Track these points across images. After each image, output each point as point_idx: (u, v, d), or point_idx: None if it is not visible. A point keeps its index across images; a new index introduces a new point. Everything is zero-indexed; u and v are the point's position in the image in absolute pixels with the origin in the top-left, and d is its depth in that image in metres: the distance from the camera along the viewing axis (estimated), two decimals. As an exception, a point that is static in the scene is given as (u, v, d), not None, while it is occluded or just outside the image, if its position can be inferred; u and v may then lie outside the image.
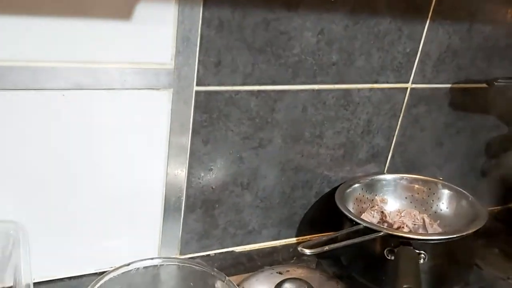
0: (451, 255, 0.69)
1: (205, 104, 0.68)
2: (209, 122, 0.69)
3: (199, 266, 0.60)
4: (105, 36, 0.58)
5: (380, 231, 0.68)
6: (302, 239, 0.86)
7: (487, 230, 1.00)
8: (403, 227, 0.75)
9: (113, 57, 0.60)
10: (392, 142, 0.86)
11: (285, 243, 0.84)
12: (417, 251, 0.67)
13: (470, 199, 0.78)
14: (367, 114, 0.81)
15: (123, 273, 0.58)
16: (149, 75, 0.63)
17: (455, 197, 0.80)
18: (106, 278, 0.57)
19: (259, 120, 0.72)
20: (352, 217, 0.71)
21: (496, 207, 1.06)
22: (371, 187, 0.83)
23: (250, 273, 0.70)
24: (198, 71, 0.65)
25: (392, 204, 0.83)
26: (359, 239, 0.68)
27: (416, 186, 0.83)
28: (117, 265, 0.58)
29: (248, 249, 0.81)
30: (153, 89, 0.64)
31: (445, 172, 0.94)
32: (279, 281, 0.62)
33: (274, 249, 0.83)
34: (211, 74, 0.66)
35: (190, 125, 0.68)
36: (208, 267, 0.60)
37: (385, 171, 0.88)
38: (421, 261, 0.67)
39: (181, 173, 0.70)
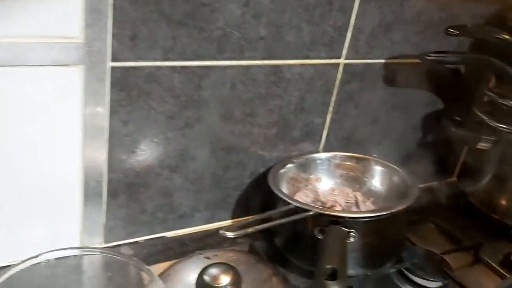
0: (382, 232, 0.69)
1: (122, 81, 0.63)
2: (128, 101, 0.64)
3: (115, 256, 0.56)
4: (5, 6, 0.52)
5: (310, 210, 0.66)
6: (237, 221, 0.83)
7: (423, 205, 1.02)
8: (335, 206, 0.74)
9: (16, 30, 0.54)
10: (326, 120, 0.84)
11: (219, 226, 0.81)
12: (347, 229, 0.65)
13: (402, 175, 0.77)
14: (299, 91, 0.78)
15: (31, 265, 0.54)
16: (57, 50, 0.57)
17: (387, 174, 0.80)
18: (11, 272, 0.52)
19: (184, 98, 0.68)
20: (283, 197, 0.69)
21: (433, 183, 1.07)
22: (306, 166, 0.82)
23: (178, 260, 0.66)
24: (112, 45, 0.60)
25: (327, 182, 0.82)
26: (287, 219, 0.66)
27: (350, 164, 0.82)
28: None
29: (180, 234, 0.78)
30: (62, 65, 0.58)
31: (381, 149, 0.94)
32: (205, 266, 0.59)
33: (207, 233, 0.80)
34: (127, 48, 0.61)
35: (107, 104, 0.63)
36: (126, 256, 0.56)
37: (320, 149, 0.86)
38: (351, 239, 0.66)
39: (100, 156, 0.66)
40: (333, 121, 0.85)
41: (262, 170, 0.82)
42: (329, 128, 0.86)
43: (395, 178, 0.78)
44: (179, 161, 0.72)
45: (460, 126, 0.93)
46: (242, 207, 0.83)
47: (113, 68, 0.62)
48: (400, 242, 0.75)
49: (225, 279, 0.56)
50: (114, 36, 0.60)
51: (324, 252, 0.57)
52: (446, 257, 0.81)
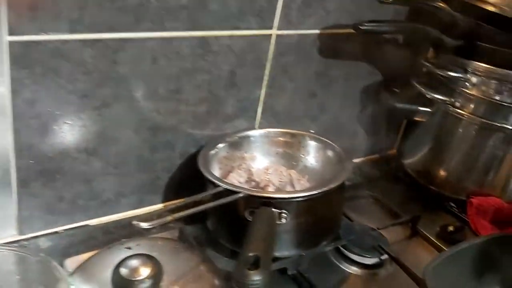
0: (315, 211, 0.66)
1: (24, 58, 0.56)
2: (32, 79, 0.58)
3: (19, 252, 0.50)
4: None
5: (239, 192, 0.62)
6: (169, 204, 0.79)
7: (363, 179, 1.01)
8: (268, 186, 0.71)
9: None
10: (261, 95, 0.80)
11: (149, 211, 0.77)
12: (278, 210, 0.62)
13: (337, 151, 0.75)
14: (229, 64, 0.73)
15: None
16: None
17: (322, 150, 0.77)
18: None
19: (99, 75, 0.62)
20: (212, 179, 0.65)
21: (373, 156, 1.06)
22: (240, 145, 0.78)
23: (96, 251, 0.61)
24: (8, 17, 0.53)
25: (262, 161, 0.78)
26: (215, 203, 0.62)
27: (285, 140, 0.79)
28: None
29: (105, 221, 0.73)
30: None
31: (320, 124, 0.91)
32: (124, 257, 0.54)
33: (136, 218, 0.74)
34: (26, 20, 0.54)
35: (8, 84, 0.56)
36: (30, 250, 0.51)
37: (256, 126, 0.83)
38: (283, 220, 0.63)
39: (4, 141, 0.59)
40: (268, 96, 0.81)
41: (193, 150, 0.77)
42: (265, 104, 0.82)
43: (330, 154, 0.76)
44: (97, 144, 0.66)
45: (398, 98, 0.91)
46: (174, 190, 0.78)
47: (11, 42, 0.55)
48: (336, 220, 0.73)
49: (144, 272, 0.51)
50: (10, 6, 0.53)
51: (250, 237, 0.53)
52: (384, 232, 0.80)
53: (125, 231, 0.71)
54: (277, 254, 0.67)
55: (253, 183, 0.73)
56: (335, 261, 0.75)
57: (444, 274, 0.58)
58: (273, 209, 0.60)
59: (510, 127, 0.82)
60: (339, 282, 0.72)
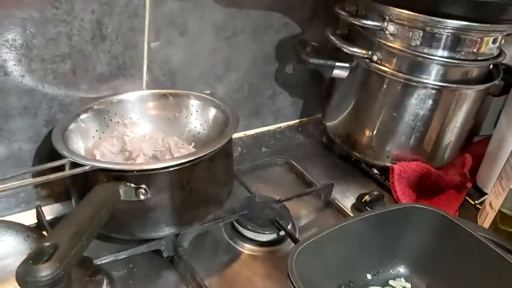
0: (187, 184, 0.56)
1: None
2: None
3: None
4: None
5: (85, 165, 0.52)
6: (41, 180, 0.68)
7: (282, 146, 0.91)
8: (139, 156, 0.60)
9: None
10: (144, 51, 0.69)
11: (12, 187, 0.66)
12: (134, 185, 0.52)
13: (225, 111, 0.64)
14: (92, 13, 0.62)
15: None
16: None
17: (209, 111, 0.67)
18: None
19: None
20: (58, 149, 0.55)
21: (298, 120, 0.96)
22: (114, 109, 0.67)
23: None
24: None
25: (140, 128, 0.67)
26: (57, 175, 0.52)
27: (166, 102, 0.68)
28: None
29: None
30: None
31: (228, 85, 0.81)
32: None
33: (-5, 197, 0.65)
34: None
35: None
36: None
37: (144, 87, 0.72)
38: (142, 197, 0.53)
39: None
40: (154, 52, 0.70)
41: (62, 116, 0.66)
42: (150, 61, 0.70)
43: (218, 116, 0.65)
44: None
45: (316, 52, 0.80)
46: (42, 162, 0.68)
47: None
48: (220, 192, 0.62)
49: None
50: None
51: (63, 221, 0.43)
52: (292, 203, 0.71)
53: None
54: (146, 235, 0.58)
55: (127, 154, 0.63)
56: (227, 238, 0.66)
57: (311, 258, 0.49)
58: (114, 185, 0.50)
59: (436, 83, 0.73)
60: (227, 263, 0.63)
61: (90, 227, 0.42)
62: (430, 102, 0.74)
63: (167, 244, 0.59)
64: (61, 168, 0.59)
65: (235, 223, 0.66)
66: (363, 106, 0.80)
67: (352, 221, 0.53)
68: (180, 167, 0.54)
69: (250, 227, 0.65)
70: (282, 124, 0.94)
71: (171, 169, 0.53)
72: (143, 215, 0.55)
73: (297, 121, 0.95)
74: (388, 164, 0.79)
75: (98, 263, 0.55)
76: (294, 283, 0.43)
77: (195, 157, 0.54)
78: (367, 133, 0.80)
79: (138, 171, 0.52)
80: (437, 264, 0.57)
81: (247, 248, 0.65)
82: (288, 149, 0.89)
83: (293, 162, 0.82)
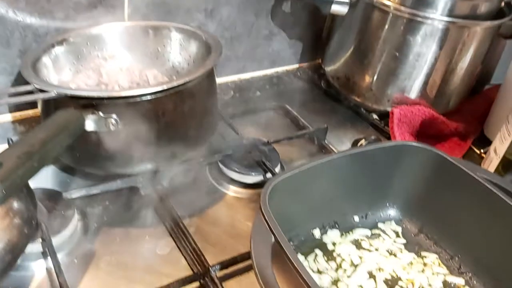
0: (162, 116, 0.52)
1: None
2: None
3: None
4: None
5: (48, 91, 0.48)
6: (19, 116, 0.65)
7: (280, 90, 0.87)
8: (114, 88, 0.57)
9: None
10: (124, -22, 0.64)
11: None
12: (103, 114, 0.49)
13: (209, 42, 0.60)
14: None
15: None
16: None
17: (190, 44, 0.62)
18: None
19: None
20: (26, 76, 0.51)
21: (298, 65, 0.91)
22: (94, 41, 0.63)
23: None
24: None
25: (118, 60, 0.63)
26: (21, 98, 0.48)
27: (149, 36, 0.63)
28: None
29: None
30: None
31: (219, 21, 0.75)
32: None
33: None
34: None
35: None
36: None
37: (125, 18, 0.67)
38: (112, 127, 0.50)
39: None
40: (135, -19, 0.65)
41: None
42: (132, -9, 0.65)
43: (204, 51, 0.60)
44: None
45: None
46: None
47: None
48: (202, 127, 0.58)
49: None
50: None
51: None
52: (284, 147, 0.67)
53: None
54: (121, 170, 0.55)
55: (103, 87, 0.59)
56: (211, 179, 0.63)
57: (290, 194, 0.45)
58: (78, 111, 0.46)
59: (442, 18, 0.67)
60: (209, 204, 0.59)
61: (43, 149, 0.38)
62: (436, 40, 0.69)
63: (145, 181, 0.56)
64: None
65: (219, 164, 0.63)
66: (363, 46, 0.75)
67: (338, 156, 0.48)
68: (153, 96, 0.50)
69: (235, 169, 0.61)
70: (280, 69, 0.89)
71: (143, 98, 0.49)
72: (115, 148, 0.52)
73: (296, 66, 0.90)
74: (389, 109, 0.74)
75: (68, 197, 0.52)
76: (266, 218, 0.40)
77: (170, 86, 0.50)
78: (368, 75, 0.75)
79: (107, 98, 0.48)
80: (431, 207, 0.53)
81: (231, 190, 0.61)
82: (284, 94, 0.84)
83: (288, 107, 0.78)
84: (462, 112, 0.80)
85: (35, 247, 0.48)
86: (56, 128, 0.41)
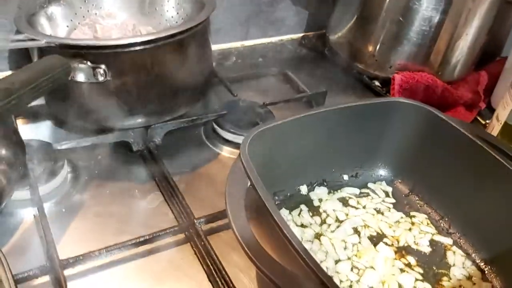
0: (153, 68, 0.52)
1: None
2: None
3: None
4: None
5: (39, 40, 0.48)
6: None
7: (284, 57, 0.86)
8: (106, 43, 0.57)
9: None
10: None
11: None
12: (92, 64, 0.49)
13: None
14: None
15: None
16: None
17: (187, 2, 0.61)
18: None
19: None
20: (21, 28, 0.51)
21: (305, 33, 0.89)
22: (91, -1, 0.63)
23: None
24: None
25: (115, 17, 0.63)
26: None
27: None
28: None
29: None
30: None
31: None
32: None
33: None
34: None
35: None
36: None
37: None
38: (100, 78, 0.50)
39: None
40: None
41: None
42: None
43: (196, 9, 0.60)
44: None
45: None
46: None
47: None
48: (196, 83, 0.58)
49: None
50: None
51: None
52: (284, 110, 0.66)
53: None
54: (112, 124, 0.55)
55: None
56: (205, 139, 0.62)
57: (275, 147, 0.44)
58: (65, 59, 0.46)
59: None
60: (201, 163, 0.59)
61: (23, 89, 0.38)
62: (442, 4, 0.67)
63: (136, 136, 0.56)
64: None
65: (214, 124, 0.62)
66: (367, 11, 0.73)
67: (325, 109, 0.47)
68: (143, 47, 0.49)
69: (229, 129, 0.61)
70: (285, 37, 0.88)
71: (132, 48, 0.49)
72: (105, 100, 0.52)
73: (301, 34, 0.89)
74: (391, 76, 0.73)
75: (58, 147, 0.53)
76: (243, 161, 0.39)
77: (159, 36, 0.49)
78: (371, 41, 0.74)
79: (95, 47, 0.48)
80: (423, 167, 0.51)
81: (225, 150, 0.61)
82: (287, 61, 0.83)
83: (289, 72, 0.77)
84: (469, 82, 0.78)
85: (23, 194, 0.49)
86: (39, 71, 0.41)
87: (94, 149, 0.57)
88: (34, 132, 0.60)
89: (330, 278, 0.30)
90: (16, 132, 0.50)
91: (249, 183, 0.38)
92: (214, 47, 0.81)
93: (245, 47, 0.84)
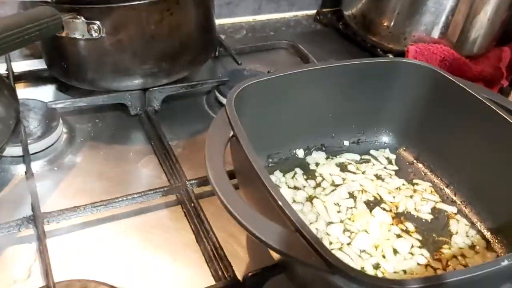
0: (147, 27, 0.50)
1: None
2: None
3: None
4: None
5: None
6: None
7: (296, 32, 0.83)
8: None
9: None
10: None
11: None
12: (86, 19, 0.48)
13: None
14: None
15: None
16: None
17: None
18: None
19: None
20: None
21: (323, 10, 0.86)
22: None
23: None
24: None
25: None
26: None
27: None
28: None
29: None
30: None
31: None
32: None
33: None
34: None
35: None
36: None
37: None
38: (94, 34, 0.49)
39: None
40: None
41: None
42: None
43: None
44: None
45: None
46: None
47: None
48: (195, 45, 0.56)
49: None
50: None
51: None
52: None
53: None
54: (108, 84, 0.54)
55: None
56: (207, 108, 0.61)
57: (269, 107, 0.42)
58: (55, 10, 0.45)
59: None
60: (200, 130, 0.57)
61: (6, 33, 0.38)
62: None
63: (134, 99, 0.55)
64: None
65: (216, 92, 0.61)
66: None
67: (323, 66, 0.45)
68: (137, 1, 0.48)
69: (230, 96, 0.59)
70: (299, 13, 0.86)
71: (127, 3, 0.48)
72: (100, 57, 0.51)
73: (316, 10, 0.86)
74: (405, 48, 0.69)
75: (53, 106, 0.52)
76: (228, 111, 0.37)
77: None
78: (386, 12, 0.71)
79: (89, 2, 0.47)
80: (430, 132, 0.48)
81: (225, 118, 0.59)
82: (300, 36, 0.80)
83: (299, 45, 0.74)
84: (490, 58, 0.74)
85: (17, 150, 0.48)
86: (26, 17, 0.41)
87: (93, 112, 0.57)
88: (35, 95, 0.59)
89: (303, 224, 0.28)
90: (9, 87, 0.50)
91: (231, 133, 0.36)
92: (225, 20, 0.80)
93: (256, 22, 0.82)
